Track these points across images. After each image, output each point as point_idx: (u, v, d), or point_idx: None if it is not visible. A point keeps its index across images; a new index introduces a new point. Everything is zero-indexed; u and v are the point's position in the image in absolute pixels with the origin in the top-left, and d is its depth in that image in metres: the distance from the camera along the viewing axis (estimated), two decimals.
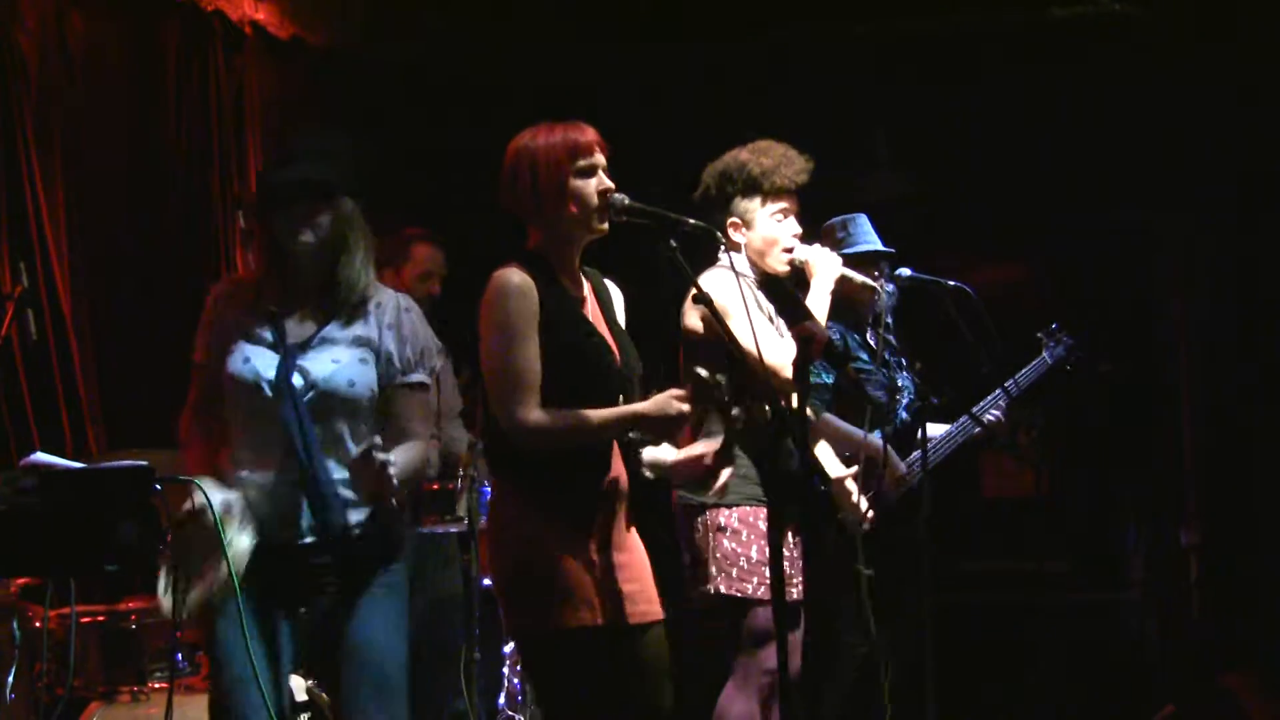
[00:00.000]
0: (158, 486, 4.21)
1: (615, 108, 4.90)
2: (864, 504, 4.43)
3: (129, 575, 4.74)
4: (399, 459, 3.19)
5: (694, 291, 3.33)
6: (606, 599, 3.32)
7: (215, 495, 3.18)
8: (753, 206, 4.19)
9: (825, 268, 4.20)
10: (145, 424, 5.13)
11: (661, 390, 3.33)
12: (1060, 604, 6.55)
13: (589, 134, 3.43)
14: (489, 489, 4.91)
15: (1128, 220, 6.76)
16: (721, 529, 4.01)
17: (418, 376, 3.42)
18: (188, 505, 3.17)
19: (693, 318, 4.08)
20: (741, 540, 4.01)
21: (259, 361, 3.28)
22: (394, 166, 6.17)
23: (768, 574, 3.86)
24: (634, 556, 3.45)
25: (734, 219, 4.20)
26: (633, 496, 3.44)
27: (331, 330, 3.35)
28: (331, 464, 3.27)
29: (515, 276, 3.34)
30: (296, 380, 3.26)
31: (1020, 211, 6.91)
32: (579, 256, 3.49)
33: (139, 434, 5.01)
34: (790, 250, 4.21)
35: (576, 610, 3.27)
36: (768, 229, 4.19)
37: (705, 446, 3.36)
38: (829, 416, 4.61)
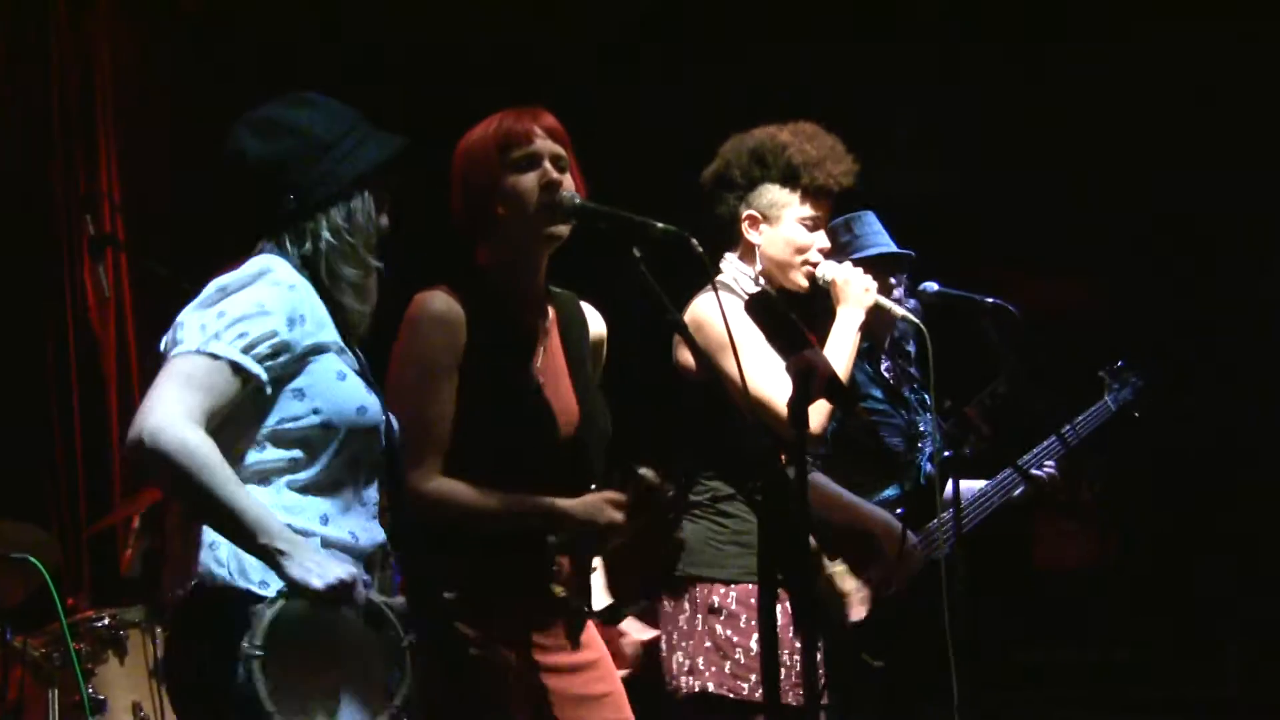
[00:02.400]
0: None
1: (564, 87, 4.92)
2: (860, 601, 4.42)
3: None
4: None
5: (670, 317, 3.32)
6: (545, 709, 3.36)
7: None
8: (784, 201, 4.14)
9: (857, 295, 4.12)
10: None
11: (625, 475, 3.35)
12: (1135, 703, 6.58)
13: (528, 117, 3.43)
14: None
15: (1218, 222, 6.81)
16: (715, 610, 3.99)
17: None
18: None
19: (684, 351, 4.03)
20: (739, 626, 3.97)
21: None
22: None
23: (793, 674, 3.82)
24: (591, 653, 3.48)
25: (754, 211, 4.15)
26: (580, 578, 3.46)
27: None
28: None
29: (438, 302, 3.36)
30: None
31: (1079, 214, 6.96)
32: (537, 273, 3.49)
33: None
34: (814, 265, 4.16)
35: None
36: (795, 233, 4.14)
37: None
38: (819, 478, 4.45)
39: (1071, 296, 7.21)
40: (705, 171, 4.22)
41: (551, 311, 3.54)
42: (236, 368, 2.91)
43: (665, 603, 4.06)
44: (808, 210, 4.15)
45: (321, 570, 2.85)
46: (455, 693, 3.29)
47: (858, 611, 4.44)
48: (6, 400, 5.89)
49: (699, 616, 4.01)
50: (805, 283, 4.16)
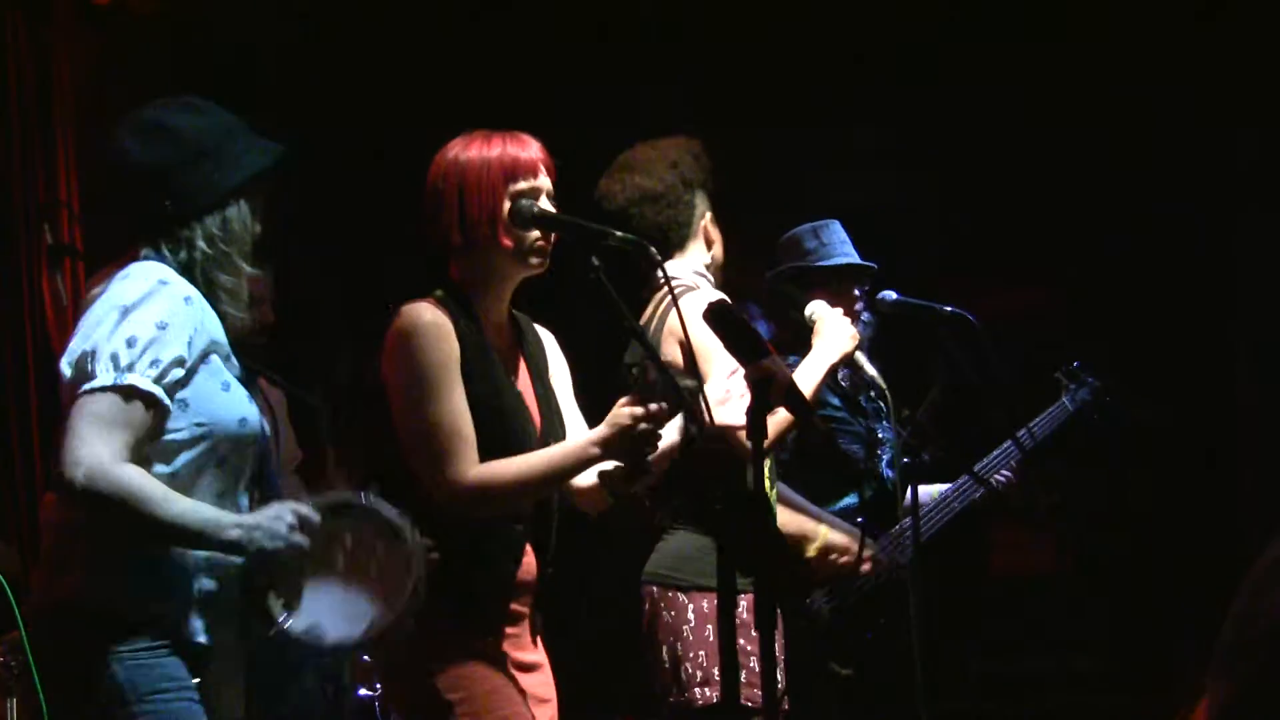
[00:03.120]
0: None
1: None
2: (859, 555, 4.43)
3: None
4: None
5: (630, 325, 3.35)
6: (517, 710, 3.39)
7: None
8: (707, 201, 4.27)
9: (839, 341, 4.18)
10: None
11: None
12: (1093, 712, 6.60)
13: (532, 148, 3.46)
14: None
15: (1179, 229, 6.84)
16: None
17: None
18: None
19: (672, 345, 4.06)
20: (750, 634, 3.95)
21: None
22: None
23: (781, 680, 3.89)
24: (544, 660, 3.54)
25: (706, 215, 4.26)
26: (542, 592, 3.51)
27: None
28: None
29: (427, 314, 3.38)
30: None
31: (1038, 223, 6.99)
32: (508, 299, 3.53)
33: None
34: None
35: None
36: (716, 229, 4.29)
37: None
38: (780, 488, 4.54)
39: (1032, 304, 7.25)
40: (620, 199, 4.22)
41: (513, 333, 3.58)
42: (151, 399, 2.98)
43: (665, 614, 4.07)
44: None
45: (272, 531, 2.99)
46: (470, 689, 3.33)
47: (865, 566, 4.47)
48: None
49: (707, 627, 4.02)
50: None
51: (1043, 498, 5.14)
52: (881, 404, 4.84)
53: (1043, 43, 6.66)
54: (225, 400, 3.11)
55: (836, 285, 4.51)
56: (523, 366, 3.56)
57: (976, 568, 7.03)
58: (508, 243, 3.42)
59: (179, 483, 3.05)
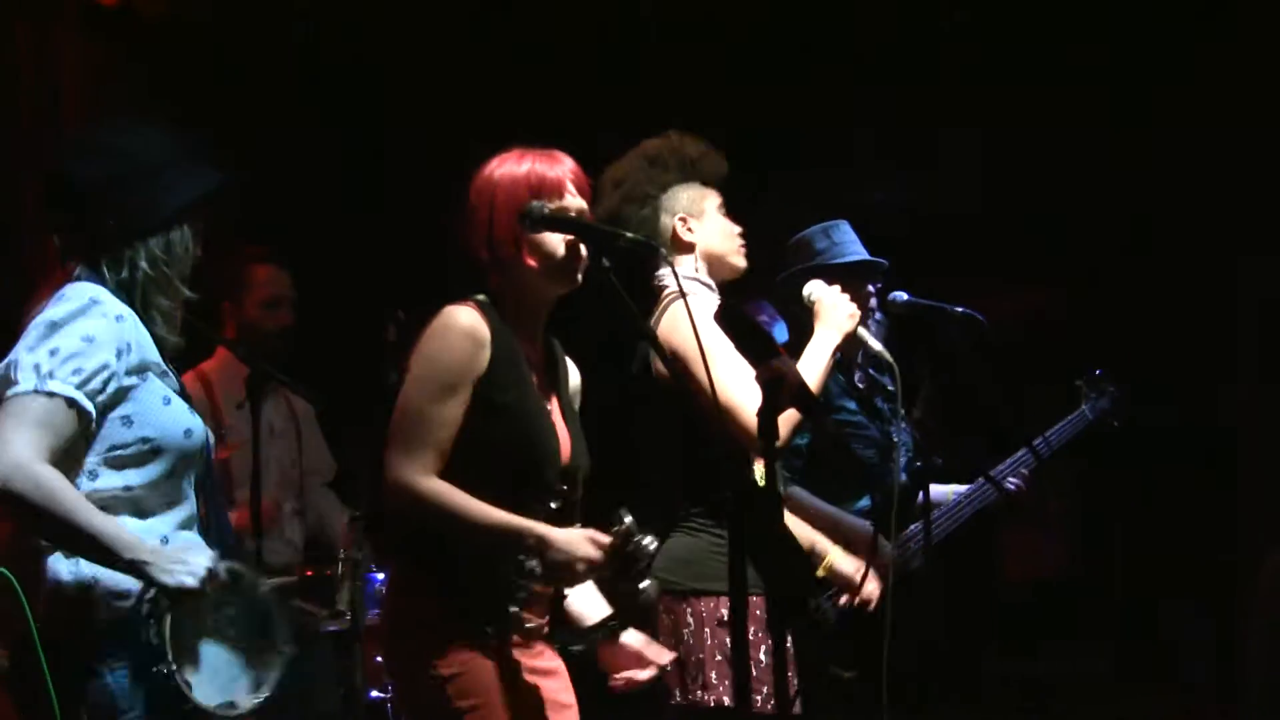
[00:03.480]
0: None
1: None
2: (867, 579, 4.41)
3: None
4: None
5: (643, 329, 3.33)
6: (531, 712, 3.38)
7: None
8: (698, 194, 4.19)
9: (839, 320, 4.12)
10: None
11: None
12: (1103, 709, 6.59)
13: (560, 167, 3.44)
14: (377, 576, 4.97)
15: (1193, 231, 6.83)
16: (724, 623, 3.98)
17: None
18: None
19: (659, 362, 4.01)
20: (753, 637, 3.98)
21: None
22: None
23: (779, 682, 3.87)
24: (560, 666, 3.52)
25: (680, 213, 4.18)
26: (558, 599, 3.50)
27: None
28: None
29: (467, 316, 3.37)
30: None
31: (1050, 224, 6.99)
32: (544, 314, 3.52)
33: None
34: (744, 242, 4.22)
35: None
36: (721, 220, 4.22)
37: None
38: (796, 490, 4.57)
39: (1045, 305, 7.24)
40: (607, 203, 4.19)
41: (544, 354, 3.58)
42: (72, 403, 3.00)
43: (665, 618, 4.06)
44: (716, 199, 4.23)
45: (188, 567, 2.99)
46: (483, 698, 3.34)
47: (869, 590, 4.46)
48: None
49: (707, 630, 4.01)
50: (744, 263, 4.23)
51: (1055, 502, 5.13)
52: (889, 380, 4.79)
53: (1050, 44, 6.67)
54: (169, 414, 3.14)
55: (848, 283, 4.48)
56: (551, 390, 3.56)
57: (990, 571, 7.03)
58: (532, 263, 3.41)
59: (132, 495, 3.09)
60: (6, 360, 3.03)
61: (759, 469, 3.84)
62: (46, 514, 2.93)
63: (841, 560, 4.50)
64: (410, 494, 3.31)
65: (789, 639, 3.85)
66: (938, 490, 4.77)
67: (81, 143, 3.22)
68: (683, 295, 3.58)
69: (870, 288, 4.78)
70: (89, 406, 3.02)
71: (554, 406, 3.52)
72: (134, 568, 2.97)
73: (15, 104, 5.93)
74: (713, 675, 3.98)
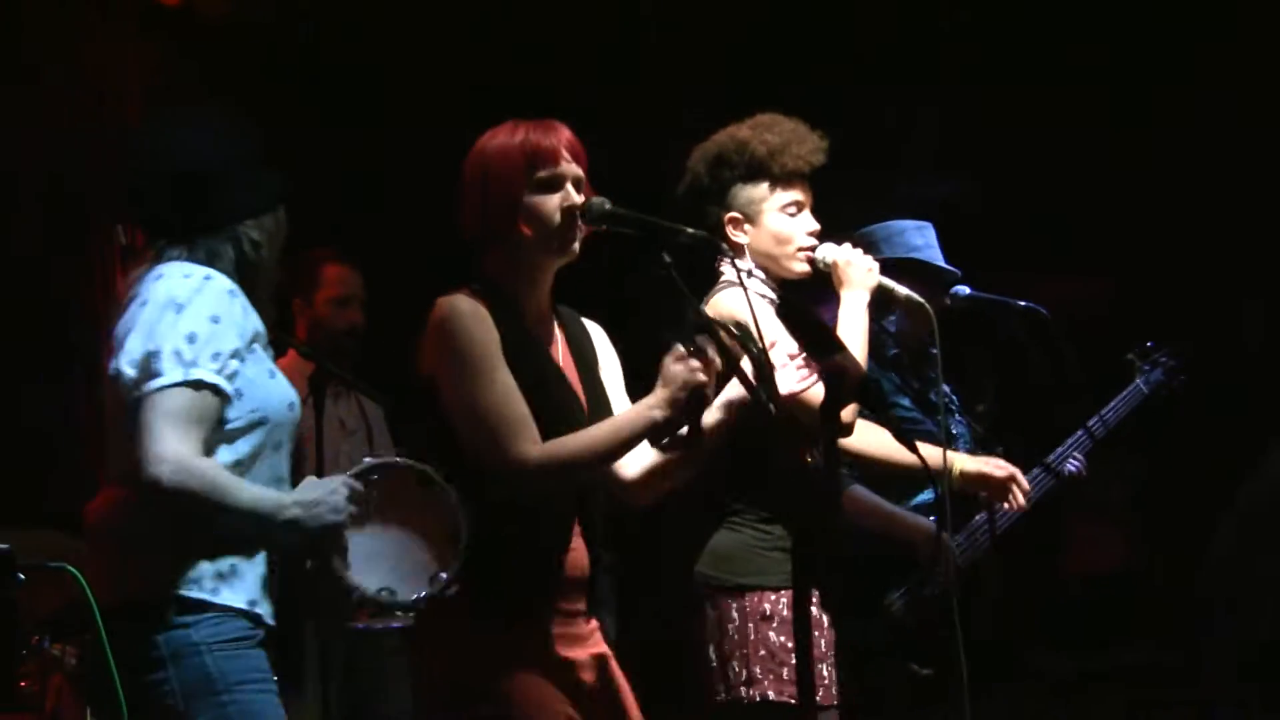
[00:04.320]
0: (20, 576, 4.24)
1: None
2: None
3: None
4: None
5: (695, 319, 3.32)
6: (573, 702, 3.39)
7: None
8: (759, 196, 4.13)
9: (860, 276, 4.10)
10: (1, 496, 5.14)
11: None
12: (1172, 708, 6.55)
13: (555, 135, 3.44)
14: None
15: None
16: (767, 618, 3.97)
17: None
18: None
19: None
20: (792, 632, 3.96)
21: None
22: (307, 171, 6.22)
23: (824, 674, 3.88)
24: (603, 652, 3.51)
25: (734, 214, 4.13)
26: (596, 587, 3.50)
27: None
28: None
29: (463, 303, 3.39)
30: None
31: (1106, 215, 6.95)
32: (547, 287, 3.53)
33: None
34: (810, 250, 4.14)
35: (539, 717, 3.32)
36: (779, 224, 4.13)
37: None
38: (857, 488, 4.53)
39: (1101, 296, 7.20)
40: (678, 189, 4.22)
41: (557, 327, 3.58)
42: (217, 390, 3.05)
43: (709, 613, 4.04)
44: (785, 198, 4.15)
45: (329, 504, 3.08)
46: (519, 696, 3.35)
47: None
48: (42, 410, 5.93)
49: (750, 625, 3.99)
50: (803, 268, 4.16)
51: (1117, 489, 5.09)
52: (955, 401, 4.78)
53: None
54: (273, 386, 3.19)
55: (927, 285, 4.45)
56: (566, 356, 3.55)
57: (1050, 564, 6.99)
58: (527, 231, 3.41)
59: (241, 469, 3.13)
60: (142, 348, 3.06)
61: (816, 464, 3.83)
62: (213, 505, 3.00)
63: (969, 462, 4.47)
64: (539, 467, 3.30)
65: (828, 634, 3.91)
66: None
67: (183, 123, 3.25)
68: (743, 285, 3.58)
69: (947, 299, 4.75)
70: (229, 390, 3.07)
71: (568, 371, 3.51)
72: (290, 528, 3.07)
73: (77, 102, 5.98)
74: (757, 670, 3.96)
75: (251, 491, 3.06)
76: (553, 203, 3.40)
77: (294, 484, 3.23)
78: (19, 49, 5.89)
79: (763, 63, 6.77)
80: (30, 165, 5.93)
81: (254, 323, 3.17)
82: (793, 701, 3.88)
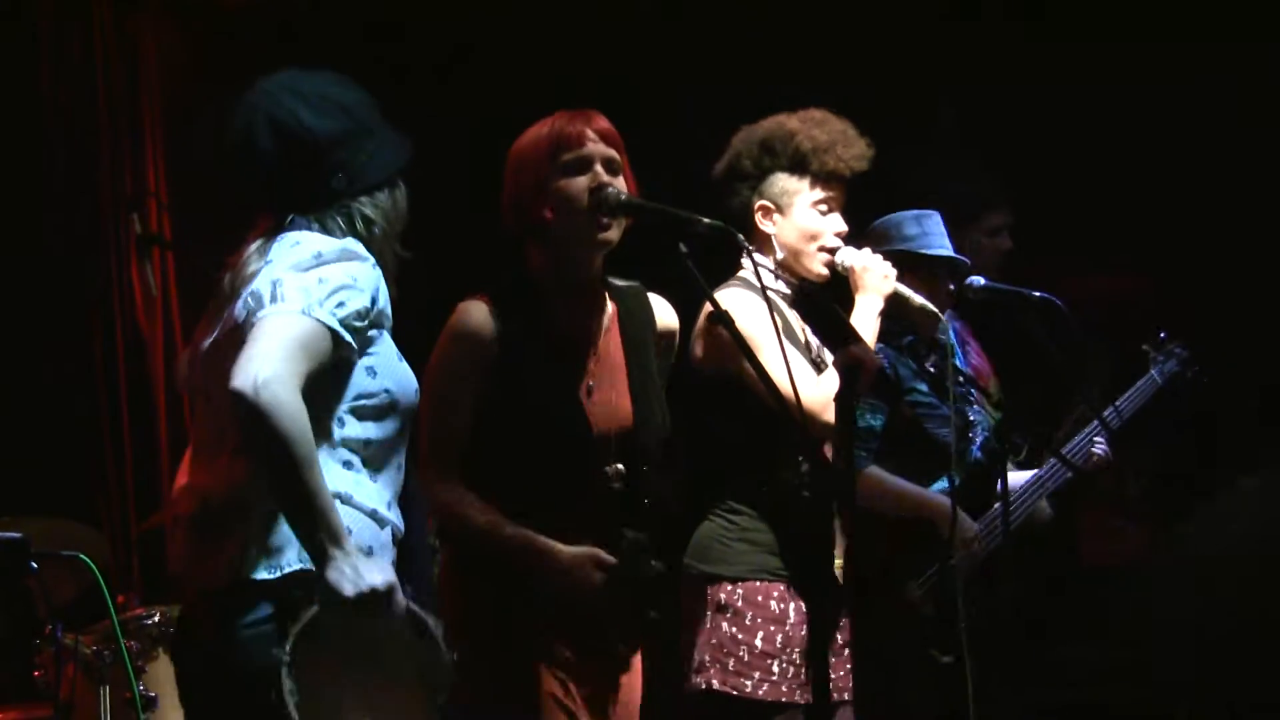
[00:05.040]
0: (34, 565, 4.24)
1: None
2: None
3: None
4: None
5: (709, 310, 3.33)
6: (581, 704, 3.40)
7: None
8: (794, 189, 4.11)
9: (876, 282, 4.09)
10: (14, 485, 5.15)
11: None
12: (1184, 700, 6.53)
13: (581, 119, 3.44)
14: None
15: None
16: (722, 608, 3.98)
17: None
18: None
19: (699, 345, 4.01)
20: (745, 624, 3.96)
21: None
22: None
23: (774, 669, 3.90)
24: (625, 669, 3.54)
25: (765, 201, 4.12)
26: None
27: None
28: None
29: (475, 314, 3.41)
30: None
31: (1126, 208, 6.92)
32: (590, 275, 3.51)
33: (7, 498, 5.03)
34: (832, 251, 4.14)
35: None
36: (808, 220, 4.11)
37: None
38: (874, 470, 4.54)
39: (1119, 290, 7.17)
40: (718, 165, 4.21)
41: (611, 307, 3.55)
42: (335, 336, 2.87)
43: (686, 601, 4.07)
44: (819, 195, 4.12)
45: (356, 577, 2.76)
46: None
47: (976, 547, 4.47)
48: (56, 400, 5.94)
49: (708, 614, 4.01)
50: (823, 270, 4.14)
51: (1133, 480, 5.07)
52: (971, 389, 4.78)
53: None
54: (403, 369, 3.05)
55: (930, 275, 4.45)
56: (616, 344, 3.53)
57: (1066, 555, 6.97)
58: (550, 215, 3.40)
59: (370, 451, 2.98)
60: (270, 276, 2.89)
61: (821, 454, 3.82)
62: (283, 444, 2.72)
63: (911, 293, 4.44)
64: (432, 503, 3.41)
65: (805, 629, 3.92)
66: (1014, 476, 4.73)
67: (300, 93, 3.08)
68: (759, 280, 3.58)
69: (952, 286, 4.74)
70: (350, 340, 2.89)
71: (611, 373, 3.50)
72: (317, 547, 2.76)
73: (95, 89, 5.98)
74: (706, 658, 3.97)
75: (322, 480, 2.78)
76: (579, 184, 3.39)
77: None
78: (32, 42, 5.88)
79: (766, 56, 6.76)
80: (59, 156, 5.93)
81: (386, 303, 3.02)
82: (734, 692, 3.92)
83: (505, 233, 3.50)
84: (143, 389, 6.08)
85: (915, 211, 4.80)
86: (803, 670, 3.92)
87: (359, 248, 3.00)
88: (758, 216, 4.13)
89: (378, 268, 3.00)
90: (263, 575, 2.87)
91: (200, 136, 5.89)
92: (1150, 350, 5.07)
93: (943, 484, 4.61)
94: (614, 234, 3.42)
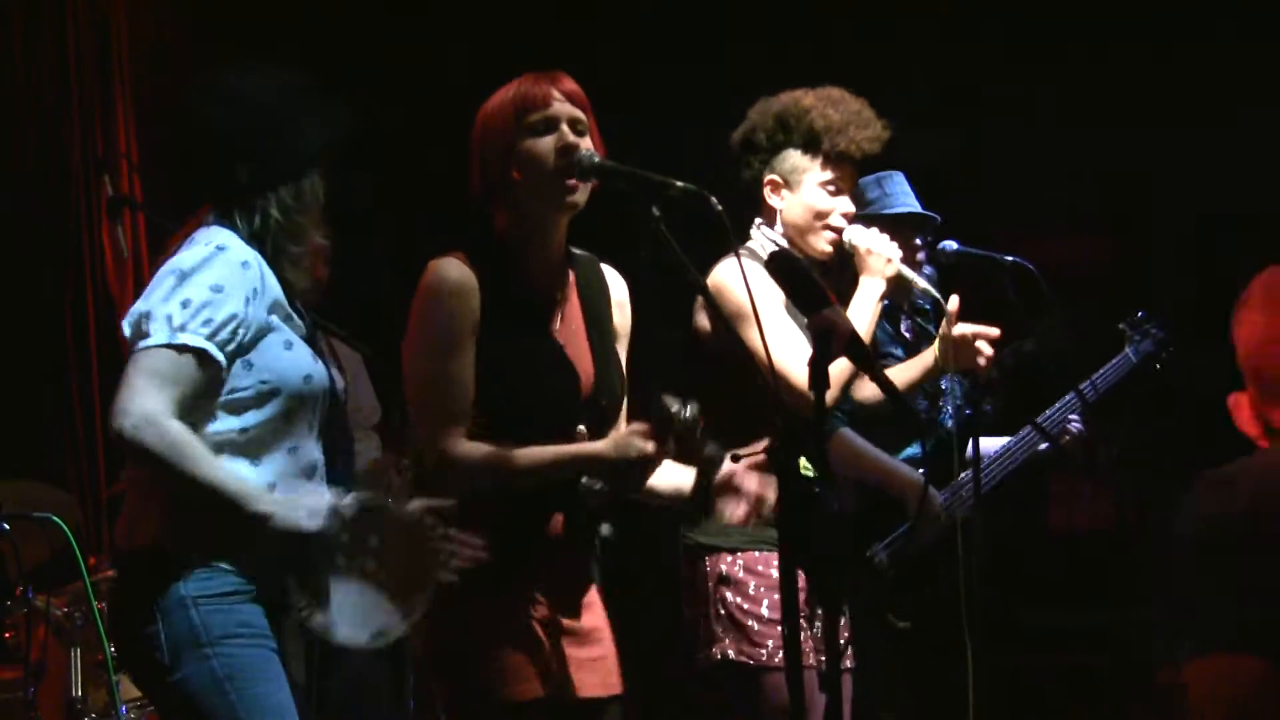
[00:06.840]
0: (5, 526, 4.23)
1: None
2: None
3: None
4: None
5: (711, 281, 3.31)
6: (550, 667, 3.38)
7: None
8: (804, 167, 4.11)
9: (878, 264, 4.09)
10: None
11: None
12: (1150, 664, 6.56)
13: (546, 80, 3.41)
14: None
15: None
16: (724, 579, 4.01)
17: None
18: None
19: (702, 316, 4.05)
20: (748, 593, 3.99)
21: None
22: None
23: (784, 635, 3.88)
24: (591, 618, 3.50)
25: (775, 176, 4.13)
26: (588, 546, 3.48)
27: None
28: None
29: (453, 270, 3.36)
30: None
31: (1098, 171, 6.93)
32: (556, 239, 3.48)
33: None
34: (838, 230, 4.14)
35: (515, 682, 3.32)
36: (816, 199, 4.11)
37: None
38: (847, 433, 4.51)
39: (1091, 254, 7.19)
40: (733, 135, 4.21)
41: (571, 275, 3.53)
42: (203, 355, 3.05)
43: (684, 573, 4.09)
44: (829, 175, 4.12)
45: (308, 510, 3.06)
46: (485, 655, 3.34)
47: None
48: (26, 362, 5.92)
49: (709, 585, 4.03)
50: (828, 248, 4.14)
51: (1104, 452, 5.09)
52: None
53: None
54: (289, 358, 3.17)
55: (899, 234, 4.44)
56: (576, 310, 3.51)
57: (1033, 521, 7.01)
58: (518, 176, 3.37)
59: (248, 437, 3.13)
60: (139, 309, 3.09)
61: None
62: (174, 468, 3.00)
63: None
64: (450, 465, 3.31)
65: (805, 596, 3.91)
66: (986, 442, 4.74)
67: (214, 90, 3.24)
68: (735, 250, 3.56)
69: (919, 240, 4.75)
70: (220, 357, 3.07)
71: (575, 333, 3.48)
72: (258, 520, 3.04)
73: (65, 52, 5.95)
74: (718, 630, 3.99)
75: (223, 470, 3.06)
76: (545, 144, 3.36)
77: (338, 458, 3.26)
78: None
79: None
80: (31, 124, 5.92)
81: (272, 292, 3.16)
82: (751, 662, 3.94)
83: (472, 196, 3.48)
84: (113, 351, 6.06)
85: (875, 175, 4.81)
86: (809, 635, 3.94)
87: (234, 248, 3.12)
88: (767, 190, 4.14)
89: (251, 264, 3.12)
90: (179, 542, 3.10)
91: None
92: (1126, 329, 5.10)
93: (914, 450, 4.62)
94: (580, 196, 3.39)
